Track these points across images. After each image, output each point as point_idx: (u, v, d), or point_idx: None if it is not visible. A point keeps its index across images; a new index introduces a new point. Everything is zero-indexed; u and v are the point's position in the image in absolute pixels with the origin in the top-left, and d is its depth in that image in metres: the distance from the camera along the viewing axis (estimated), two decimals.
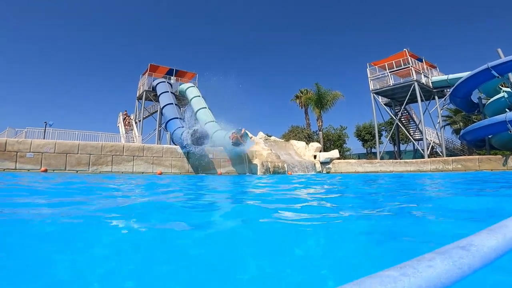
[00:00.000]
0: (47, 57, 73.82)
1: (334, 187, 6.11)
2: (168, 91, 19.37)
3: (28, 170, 10.65)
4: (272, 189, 5.35)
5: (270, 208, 2.73)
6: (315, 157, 16.68)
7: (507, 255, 0.41)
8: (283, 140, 21.59)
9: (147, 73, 22.53)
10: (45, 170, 10.55)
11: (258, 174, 13.56)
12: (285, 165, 14.28)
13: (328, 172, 15.71)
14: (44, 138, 15.55)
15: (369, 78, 21.93)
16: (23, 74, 71.54)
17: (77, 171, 11.32)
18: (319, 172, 15.68)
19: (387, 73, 21.16)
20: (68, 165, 11.34)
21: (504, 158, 11.69)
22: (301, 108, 30.39)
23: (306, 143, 18.92)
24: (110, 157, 12.00)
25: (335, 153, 16.63)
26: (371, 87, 21.80)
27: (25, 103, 72.72)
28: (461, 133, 17.57)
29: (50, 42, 71.19)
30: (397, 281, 0.28)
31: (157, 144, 19.75)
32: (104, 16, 74.88)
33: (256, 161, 14.34)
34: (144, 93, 22.05)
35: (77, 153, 11.56)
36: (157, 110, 22.52)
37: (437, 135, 21.82)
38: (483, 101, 17.19)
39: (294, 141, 19.74)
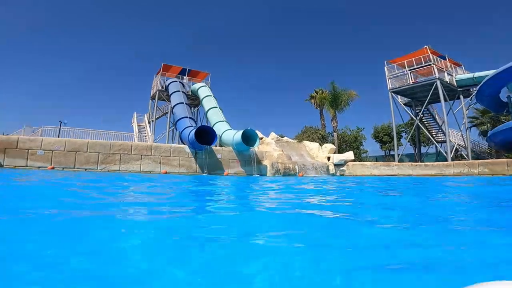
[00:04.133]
0: (65, 58, 76.81)
1: None
2: (179, 91, 19.32)
3: (38, 167, 10.76)
4: None
5: None
6: (328, 158, 15.98)
7: None
8: (295, 141, 20.99)
9: (160, 73, 22.68)
10: (52, 168, 10.62)
11: (267, 175, 13.11)
12: (296, 167, 13.73)
13: (342, 175, 14.99)
14: (58, 136, 15.88)
15: (387, 77, 20.93)
16: (40, 75, 74.71)
17: (85, 169, 11.34)
18: (333, 174, 14.99)
19: (406, 71, 20.09)
20: (77, 163, 11.38)
21: None
22: (316, 108, 29.65)
23: (320, 144, 18.23)
24: (118, 156, 11.96)
25: (349, 155, 15.87)
26: (389, 86, 20.79)
27: (40, 102, 75.65)
28: (488, 135, 16.34)
29: (66, 42, 74.03)
30: None
31: (168, 143, 19.74)
32: (121, 16, 77.05)
33: (266, 162, 13.89)
34: (157, 92, 22.17)
35: (86, 151, 11.59)
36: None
37: (462, 137, 20.48)
38: None
39: (307, 142, 19.09)
